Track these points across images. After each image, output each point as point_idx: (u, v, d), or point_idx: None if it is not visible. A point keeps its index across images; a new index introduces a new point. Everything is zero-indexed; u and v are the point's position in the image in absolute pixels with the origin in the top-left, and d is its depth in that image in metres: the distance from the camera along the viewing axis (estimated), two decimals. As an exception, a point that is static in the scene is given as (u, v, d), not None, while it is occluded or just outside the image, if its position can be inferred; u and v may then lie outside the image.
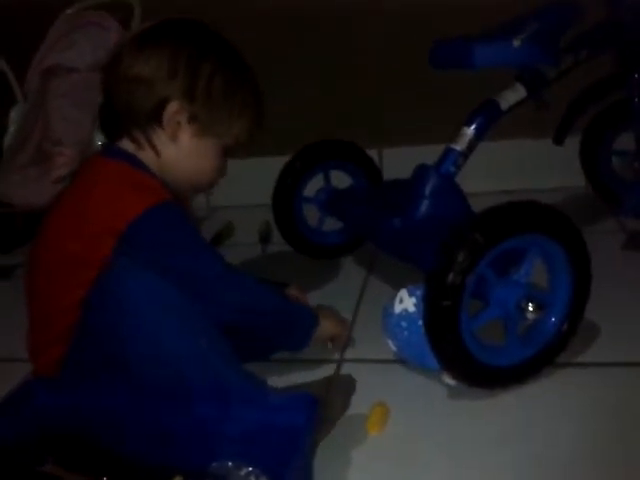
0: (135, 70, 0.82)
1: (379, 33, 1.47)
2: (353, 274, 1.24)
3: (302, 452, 0.68)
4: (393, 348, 0.89)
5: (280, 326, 0.90)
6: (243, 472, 0.67)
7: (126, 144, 0.84)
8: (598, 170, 1.37)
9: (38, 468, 0.71)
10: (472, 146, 1.03)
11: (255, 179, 1.49)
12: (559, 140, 1.30)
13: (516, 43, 0.93)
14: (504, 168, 1.46)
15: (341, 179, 1.30)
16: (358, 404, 0.82)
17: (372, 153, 1.34)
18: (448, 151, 1.04)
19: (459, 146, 1.03)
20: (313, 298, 1.07)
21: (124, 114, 0.83)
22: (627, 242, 1.20)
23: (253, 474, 0.67)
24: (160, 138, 0.84)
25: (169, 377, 0.75)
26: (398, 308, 0.87)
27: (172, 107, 0.82)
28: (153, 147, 0.84)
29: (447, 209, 1.02)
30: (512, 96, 1.04)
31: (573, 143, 1.34)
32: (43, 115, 1.28)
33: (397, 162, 1.42)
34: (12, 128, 1.29)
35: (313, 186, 1.27)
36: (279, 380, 0.87)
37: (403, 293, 0.88)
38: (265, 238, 1.40)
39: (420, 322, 0.81)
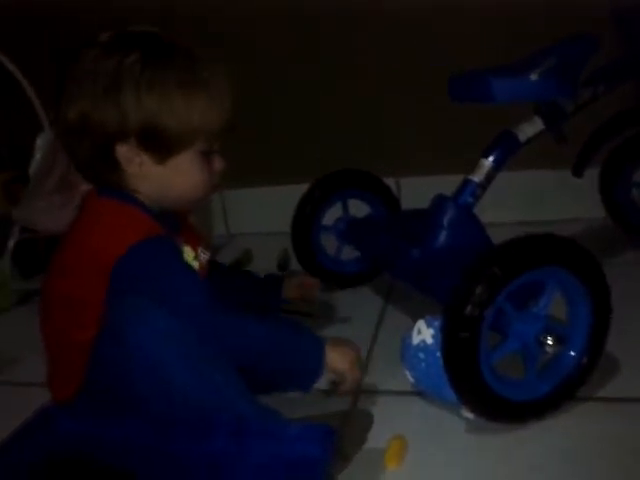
0: (68, 123, 0.78)
1: (397, 68, 1.48)
2: (371, 303, 1.23)
3: (318, 484, 0.68)
4: (411, 380, 0.89)
5: (281, 363, 0.84)
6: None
7: None
8: (617, 201, 1.36)
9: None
10: (490, 177, 1.04)
11: (274, 207, 1.50)
12: (578, 172, 1.30)
13: (534, 77, 0.94)
14: (523, 199, 1.46)
15: (359, 208, 1.30)
16: (375, 437, 0.81)
17: (390, 182, 1.35)
18: (466, 182, 1.04)
19: (477, 177, 1.03)
20: (330, 327, 1.07)
21: (86, 169, 0.82)
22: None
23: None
24: (132, 178, 0.80)
25: (183, 410, 0.75)
26: (416, 339, 0.87)
27: (122, 152, 0.78)
28: (131, 188, 0.81)
29: (465, 240, 1.02)
30: (530, 129, 1.04)
31: (592, 174, 1.34)
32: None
33: (415, 191, 1.43)
34: (38, 155, 1.31)
35: (332, 215, 1.28)
36: (293, 412, 0.85)
37: (421, 324, 0.87)
38: (283, 266, 1.41)
39: (438, 354, 0.81)
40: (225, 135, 0.83)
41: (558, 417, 0.83)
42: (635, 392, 0.86)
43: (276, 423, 0.77)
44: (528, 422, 0.82)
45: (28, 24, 1.56)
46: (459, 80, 1.01)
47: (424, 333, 0.86)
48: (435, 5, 1.38)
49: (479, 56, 1.34)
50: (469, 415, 0.83)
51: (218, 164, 0.85)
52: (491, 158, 1.03)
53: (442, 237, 1.03)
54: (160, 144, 0.79)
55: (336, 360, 0.84)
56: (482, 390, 0.79)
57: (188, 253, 0.86)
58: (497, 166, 1.04)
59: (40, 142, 1.34)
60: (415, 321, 0.89)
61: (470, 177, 1.04)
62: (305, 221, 1.25)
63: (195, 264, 0.86)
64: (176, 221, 0.87)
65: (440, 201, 1.05)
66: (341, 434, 0.76)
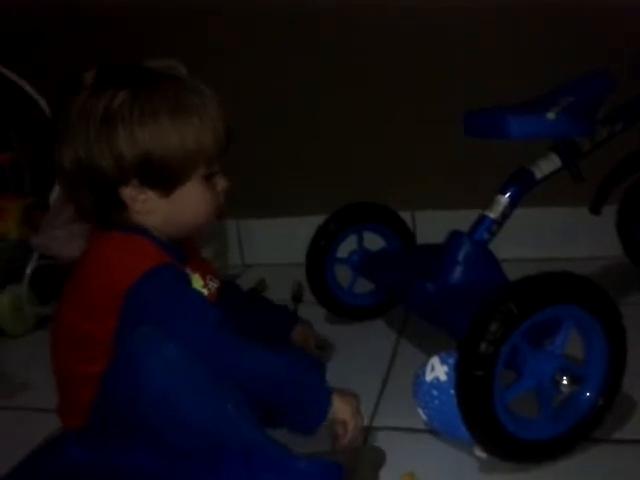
0: (64, 170, 0.78)
1: (414, 102, 1.50)
2: (384, 337, 1.23)
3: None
4: (423, 417, 0.88)
5: (288, 395, 0.81)
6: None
7: None
8: (635, 240, 1.36)
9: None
10: (506, 214, 1.04)
11: (290, 238, 1.51)
12: (595, 210, 1.30)
13: (550, 116, 0.94)
14: (539, 236, 1.46)
15: (374, 241, 1.31)
16: (386, 474, 0.80)
17: (405, 216, 1.35)
18: (482, 218, 1.04)
19: (493, 214, 1.04)
20: (343, 360, 1.06)
21: (89, 213, 0.81)
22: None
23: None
24: (137, 215, 0.80)
25: (193, 441, 0.74)
26: (429, 376, 0.86)
27: (126, 193, 0.78)
28: (136, 223, 0.81)
29: (481, 276, 1.02)
30: (546, 166, 1.04)
31: (610, 212, 1.33)
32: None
33: (430, 226, 1.44)
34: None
35: (346, 247, 1.28)
36: (303, 447, 0.83)
37: (435, 361, 0.87)
38: (297, 297, 1.41)
39: (452, 391, 0.80)
40: (223, 157, 0.83)
41: (572, 458, 0.82)
42: (652, 434, 0.85)
43: (287, 457, 0.76)
44: (542, 462, 0.81)
45: (51, 48, 1.60)
46: (475, 116, 1.02)
47: (438, 370, 0.86)
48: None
49: (495, 72, 1.37)
50: (482, 454, 0.82)
51: (222, 184, 0.84)
52: (507, 194, 1.03)
53: (457, 272, 1.03)
54: (162, 178, 0.78)
55: (341, 408, 0.82)
56: (496, 429, 0.78)
57: (197, 281, 0.86)
58: (513, 202, 1.04)
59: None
60: (429, 357, 0.88)
61: (486, 213, 1.04)
62: (319, 253, 1.25)
63: (204, 292, 0.86)
64: (182, 251, 0.87)
65: (455, 236, 1.05)
66: (351, 470, 0.75)
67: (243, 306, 1.00)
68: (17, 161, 1.55)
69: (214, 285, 0.89)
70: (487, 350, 0.75)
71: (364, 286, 1.29)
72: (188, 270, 0.84)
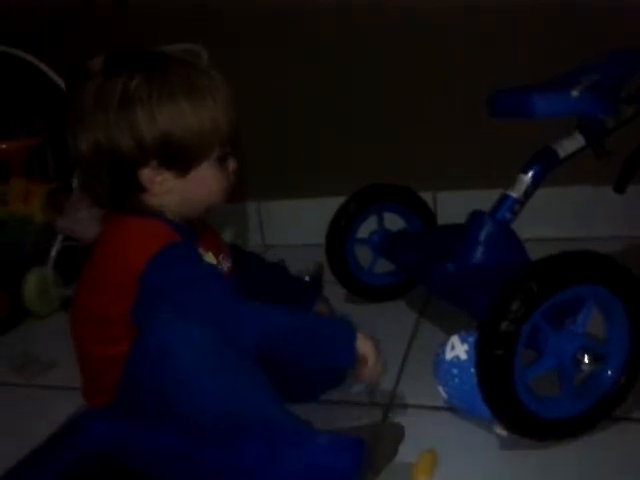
0: (81, 156, 0.78)
1: (435, 82, 1.48)
2: (405, 317, 1.23)
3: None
4: (443, 395, 0.88)
5: (315, 341, 0.82)
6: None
7: None
8: (660, 219, 1.34)
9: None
10: (529, 193, 1.03)
11: (310, 219, 1.51)
12: (620, 189, 1.28)
13: (575, 93, 0.93)
14: (562, 215, 1.44)
15: (395, 221, 1.30)
16: (405, 451, 0.81)
17: (426, 196, 1.35)
18: (504, 197, 1.04)
19: (515, 193, 1.03)
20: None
21: (104, 198, 0.82)
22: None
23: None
24: (153, 196, 0.81)
25: (215, 419, 0.75)
26: (449, 355, 0.86)
27: (144, 175, 0.79)
28: (151, 205, 0.81)
29: (502, 256, 1.01)
30: (570, 145, 1.03)
31: (635, 191, 1.31)
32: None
33: (452, 206, 1.43)
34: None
35: (366, 228, 1.28)
36: (323, 424, 0.84)
37: (455, 340, 0.87)
38: (317, 277, 1.41)
39: (472, 370, 0.80)
40: (234, 138, 0.84)
41: (593, 436, 0.82)
42: (675, 414, 0.84)
43: (308, 432, 0.77)
44: (562, 441, 0.81)
45: (77, 37, 1.62)
46: (500, 96, 1.01)
47: (458, 349, 0.86)
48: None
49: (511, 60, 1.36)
50: (502, 432, 0.82)
51: (232, 165, 0.85)
52: (530, 174, 1.02)
53: (479, 252, 1.03)
54: (181, 159, 0.79)
55: (363, 343, 0.83)
56: (516, 407, 0.78)
57: (210, 258, 0.87)
58: (536, 182, 1.03)
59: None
60: (449, 336, 0.89)
61: (508, 192, 1.03)
62: (339, 234, 1.26)
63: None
64: (194, 231, 0.88)
65: (477, 216, 1.05)
66: (371, 447, 0.76)
67: (265, 277, 1.00)
68: (42, 146, 1.57)
69: (227, 264, 0.90)
70: (508, 329, 0.75)
71: (384, 266, 1.29)
72: (201, 249, 0.85)
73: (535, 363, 0.81)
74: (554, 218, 1.44)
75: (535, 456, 0.80)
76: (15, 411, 1.06)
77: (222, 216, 1.11)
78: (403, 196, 1.29)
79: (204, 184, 0.82)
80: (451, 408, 0.90)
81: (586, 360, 0.79)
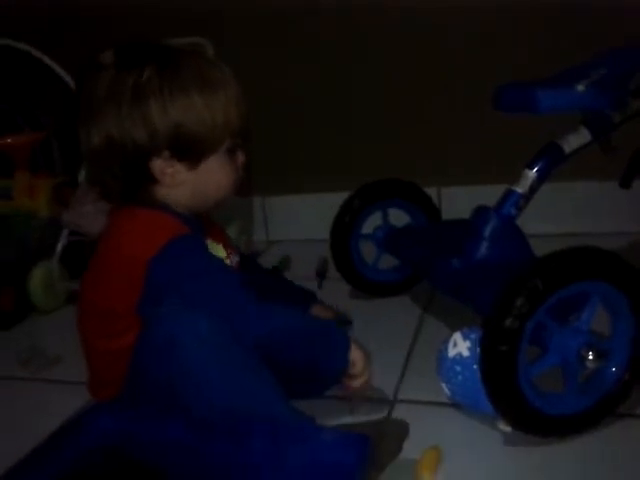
0: (94, 149, 0.78)
1: (438, 78, 1.48)
2: (409, 312, 1.23)
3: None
4: (447, 392, 0.88)
5: (313, 343, 0.85)
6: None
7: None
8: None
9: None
10: (534, 189, 1.03)
11: (314, 215, 1.52)
12: (626, 184, 1.27)
13: (580, 88, 0.92)
14: (567, 211, 1.44)
15: (399, 217, 1.30)
16: (409, 447, 0.81)
17: (431, 192, 1.35)
18: (509, 193, 1.03)
19: (521, 188, 1.02)
20: (367, 335, 1.06)
21: (115, 192, 0.82)
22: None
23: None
24: (164, 189, 0.82)
25: (222, 413, 0.75)
26: (452, 352, 0.86)
27: (156, 166, 0.79)
28: (160, 198, 0.82)
29: (507, 252, 1.01)
30: (576, 140, 1.03)
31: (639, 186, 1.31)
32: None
33: (456, 201, 1.43)
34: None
35: (371, 223, 1.28)
36: (328, 420, 0.85)
37: (457, 336, 0.87)
38: (321, 273, 1.42)
39: (475, 366, 0.80)
40: (244, 131, 0.84)
41: (597, 433, 0.82)
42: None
43: (312, 429, 0.77)
44: (566, 437, 0.81)
45: (79, 30, 1.62)
46: (505, 91, 1.00)
47: (460, 346, 0.86)
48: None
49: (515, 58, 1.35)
50: (506, 428, 0.82)
51: (241, 158, 0.86)
52: (535, 169, 1.02)
53: (483, 248, 1.03)
54: (192, 151, 0.80)
55: (355, 350, 0.86)
56: (520, 404, 0.78)
57: (220, 251, 0.87)
58: (541, 177, 1.02)
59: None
60: (452, 333, 0.89)
61: (513, 188, 1.03)
62: (344, 229, 1.26)
63: (227, 262, 0.88)
64: (202, 224, 0.88)
65: (482, 212, 1.04)
66: (376, 443, 0.76)
67: (262, 280, 1.01)
68: (47, 140, 1.57)
69: (235, 259, 0.91)
70: (512, 325, 0.75)
71: (389, 262, 1.29)
72: (211, 242, 0.85)
73: (539, 359, 0.81)
74: (559, 214, 1.44)
75: (539, 452, 0.80)
76: (21, 405, 1.07)
77: (227, 212, 1.11)
78: (408, 191, 1.29)
79: (214, 177, 0.83)
80: (455, 404, 0.90)
81: (590, 357, 0.79)
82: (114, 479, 0.74)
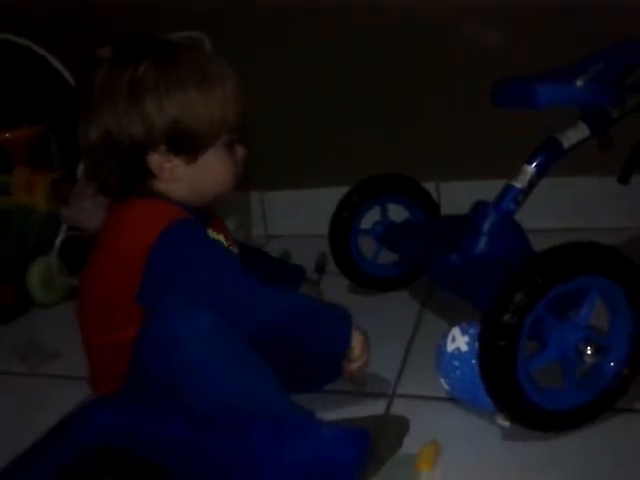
0: (91, 143, 0.78)
1: (437, 74, 1.48)
2: (408, 307, 1.23)
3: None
4: (445, 387, 0.89)
5: (316, 324, 0.84)
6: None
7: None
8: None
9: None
10: (533, 184, 1.03)
11: (313, 210, 1.51)
12: (624, 179, 1.27)
13: (579, 83, 0.92)
14: (567, 206, 1.44)
15: (398, 212, 1.30)
16: (409, 442, 0.81)
17: (430, 187, 1.34)
18: (508, 188, 1.03)
19: (519, 183, 1.02)
20: (366, 330, 1.07)
21: (113, 186, 0.82)
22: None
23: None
24: (162, 183, 0.81)
25: (222, 409, 0.75)
26: (450, 347, 0.86)
27: (153, 161, 0.79)
28: (158, 194, 0.82)
29: (506, 247, 1.01)
30: (575, 135, 1.03)
31: (637, 181, 1.31)
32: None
33: (455, 197, 1.43)
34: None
35: (370, 218, 1.28)
36: (327, 415, 0.85)
37: (456, 331, 0.87)
38: (320, 268, 1.42)
39: (473, 361, 0.81)
40: (242, 126, 0.84)
41: (596, 427, 0.82)
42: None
43: (311, 423, 0.77)
44: (565, 432, 0.81)
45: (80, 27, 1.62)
46: (503, 86, 1.00)
47: (458, 341, 0.86)
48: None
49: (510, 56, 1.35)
50: (505, 423, 0.83)
51: (240, 152, 0.85)
52: (534, 164, 1.02)
53: (482, 243, 1.03)
54: (189, 145, 0.80)
55: (356, 335, 0.86)
56: (519, 398, 0.78)
57: (222, 240, 0.87)
58: (540, 172, 1.02)
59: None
60: (450, 328, 0.89)
61: (512, 183, 1.03)
62: (343, 224, 1.26)
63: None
64: (203, 214, 0.87)
65: (481, 207, 1.04)
66: (375, 438, 0.76)
67: (251, 260, 0.98)
68: (46, 135, 1.57)
69: (235, 251, 0.91)
70: (511, 320, 0.75)
71: (387, 257, 1.29)
72: (212, 231, 0.85)
73: (538, 354, 0.81)
74: (558, 209, 1.44)
75: (537, 447, 0.80)
76: (19, 400, 1.07)
77: (225, 207, 1.11)
78: (406, 186, 1.29)
79: (212, 171, 0.83)
80: (454, 399, 0.90)
81: (589, 351, 0.79)
82: (114, 476, 0.74)
